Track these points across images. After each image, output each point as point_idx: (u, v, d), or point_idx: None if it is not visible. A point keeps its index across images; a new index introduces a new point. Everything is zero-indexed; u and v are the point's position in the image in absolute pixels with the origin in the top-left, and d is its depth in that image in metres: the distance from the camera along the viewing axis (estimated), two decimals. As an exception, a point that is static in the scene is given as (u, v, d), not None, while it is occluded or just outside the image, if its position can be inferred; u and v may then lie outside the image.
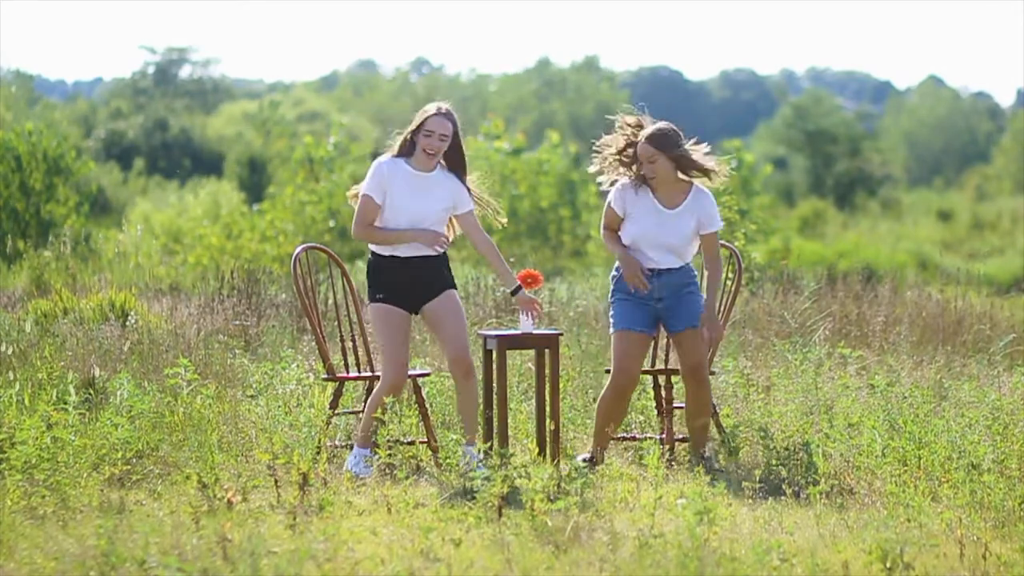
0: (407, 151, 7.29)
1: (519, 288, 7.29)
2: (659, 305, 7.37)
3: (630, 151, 7.40)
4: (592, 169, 7.50)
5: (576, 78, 59.72)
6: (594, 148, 7.49)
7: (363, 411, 7.50)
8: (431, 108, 7.29)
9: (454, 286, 7.34)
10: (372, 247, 7.32)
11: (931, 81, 67.18)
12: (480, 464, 6.78)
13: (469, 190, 7.35)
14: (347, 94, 63.00)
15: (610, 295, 7.52)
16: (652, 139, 7.30)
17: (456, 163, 7.33)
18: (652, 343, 7.45)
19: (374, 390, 7.32)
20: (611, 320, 7.44)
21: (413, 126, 7.26)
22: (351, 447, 7.37)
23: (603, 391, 7.37)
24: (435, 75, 70.45)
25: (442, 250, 7.29)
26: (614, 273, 7.49)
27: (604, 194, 7.58)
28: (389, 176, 7.23)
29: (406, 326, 7.28)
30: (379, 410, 7.15)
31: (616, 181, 7.44)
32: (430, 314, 7.29)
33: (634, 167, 7.39)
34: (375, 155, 7.81)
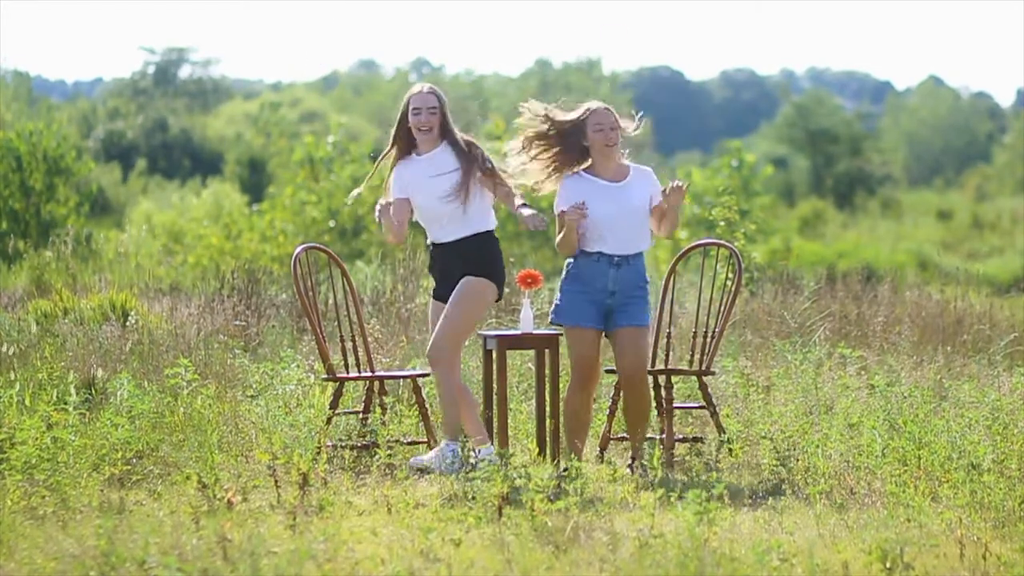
0: (408, 147, 7.37)
1: (525, 205, 7.23)
2: (610, 300, 7.22)
3: (544, 141, 7.29)
4: (529, 181, 7.33)
5: (576, 79, 59.68)
6: (518, 152, 7.32)
7: (365, 410, 7.54)
8: (413, 89, 7.40)
9: (476, 273, 7.27)
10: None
11: (931, 81, 67.10)
12: (457, 458, 6.84)
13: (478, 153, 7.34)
14: (347, 94, 62.99)
15: (563, 278, 7.31)
16: (608, 109, 7.26)
17: (452, 140, 7.35)
18: (602, 335, 7.33)
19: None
20: (556, 306, 7.22)
21: (400, 113, 7.36)
22: (356, 447, 7.37)
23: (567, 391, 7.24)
24: (435, 75, 70.42)
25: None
26: (569, 260, 7.29)
27: None
28: (409, 176, 7.34)
29: None
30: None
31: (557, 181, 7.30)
32: None
33: (570, 150, 7.23)
34: (374, 155, 7.79)
